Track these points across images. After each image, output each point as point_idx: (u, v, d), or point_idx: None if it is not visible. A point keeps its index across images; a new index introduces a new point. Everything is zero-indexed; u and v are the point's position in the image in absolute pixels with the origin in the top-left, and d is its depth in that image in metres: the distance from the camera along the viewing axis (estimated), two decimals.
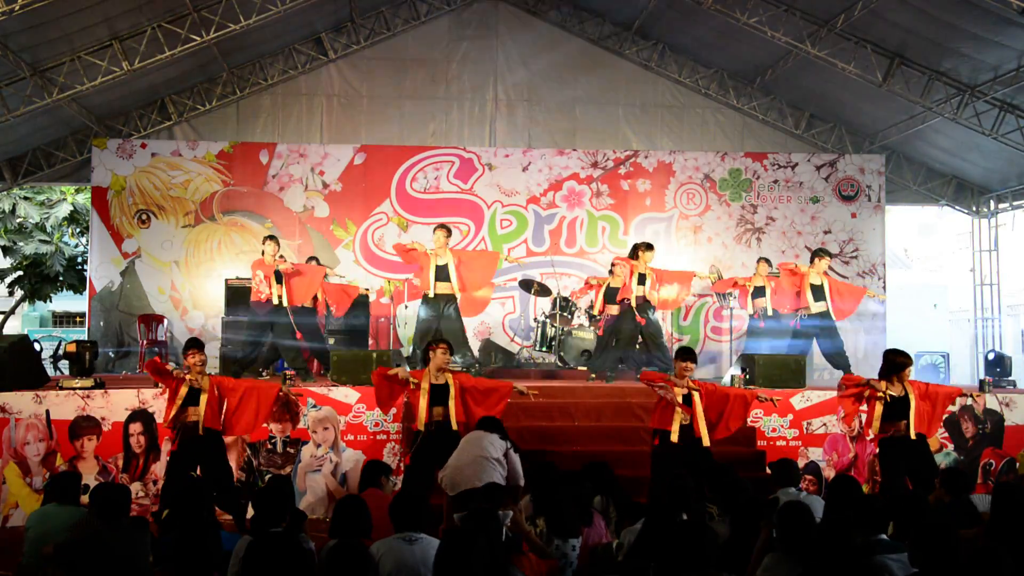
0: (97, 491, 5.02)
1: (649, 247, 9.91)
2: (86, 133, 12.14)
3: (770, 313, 10.41)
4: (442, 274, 9.51)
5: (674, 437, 6.69)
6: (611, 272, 10.39)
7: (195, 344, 6.89)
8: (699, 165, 12.69)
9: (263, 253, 9.44)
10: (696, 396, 6.78)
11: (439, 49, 12.76)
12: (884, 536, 4.29)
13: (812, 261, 10.05)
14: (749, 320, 10.58)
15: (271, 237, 9.69)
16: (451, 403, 6.77)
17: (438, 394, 6.80)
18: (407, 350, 11.18)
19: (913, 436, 6.69)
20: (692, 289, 12.33)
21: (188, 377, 6.75)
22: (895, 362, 6.73)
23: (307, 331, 9.61)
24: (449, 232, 9.80)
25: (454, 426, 6.73)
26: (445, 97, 12.74)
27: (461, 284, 9.58)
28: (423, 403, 6.76)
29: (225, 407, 6.88)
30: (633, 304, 9.64)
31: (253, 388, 7.07)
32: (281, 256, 9.60)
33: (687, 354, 6.90)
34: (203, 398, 6.68)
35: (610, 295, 10.04)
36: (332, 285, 10.15)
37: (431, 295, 9.51)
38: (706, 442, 6.74)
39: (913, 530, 3.91)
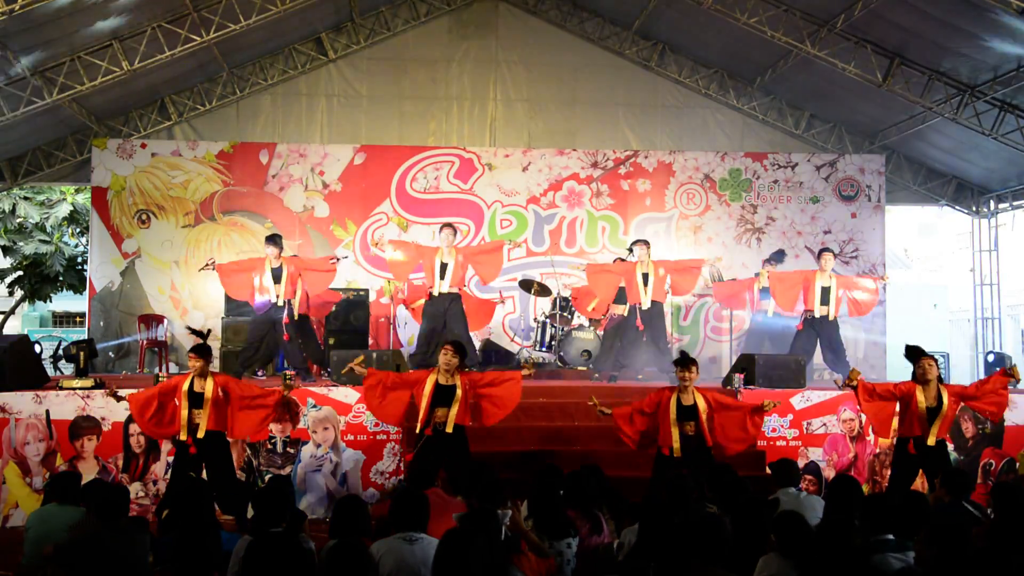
0: (95, 491, 5.01)
1: (644, 243, 9.97)
2: (86, 133, 12.14)
3: (770, 315, 10.45)
4: (444, 272, 9.55)
5: (677, 451, 6.66)
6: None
7: (197, 351, 6.84)
8: (699, 165, 12.69)
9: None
10: (702, 406, 6.74)
11: (439, 49, 12.75)
12: (891, 536, 4.30)
13: (819, 260, 10.06)
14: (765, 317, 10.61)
15: (273, 237, 9.72)
16: (454, 406, 6.66)
17: (442, 395, 6.71)
18: (407, 350, 11.18)
19: (932, 442, 6.73)
20: (696, 286, 12.42)
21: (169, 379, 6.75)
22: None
23: (307, 332, 9.66)
24: (455, 231, 9.88)
25: (449, 428, 6.64)
26: (445, 97, 12.74)
27: (460, 281, 9.61)
28: (424, 403, 6.70)
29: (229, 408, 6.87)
30: (643, 306, 9.70)
31: (260, 396, 6.97)
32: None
33: (686, 361, 6.78)
34: (206, 401, 6.69)
35: (618, 296, 10.10)
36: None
37: (435, 293, 9.56)
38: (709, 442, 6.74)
39: (924, 530, 3.91)
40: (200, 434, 6.65)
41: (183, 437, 6.70)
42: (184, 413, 6.67)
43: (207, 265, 9.86)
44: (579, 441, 8.24)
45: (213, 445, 6.75)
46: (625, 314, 9.90)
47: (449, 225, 9.94)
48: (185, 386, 6.70)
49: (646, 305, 9.72)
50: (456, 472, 6.26)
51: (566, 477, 5.48)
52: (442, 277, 9.53)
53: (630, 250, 10.32)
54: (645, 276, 9.76)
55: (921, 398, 6.74)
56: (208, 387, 6.70)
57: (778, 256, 11.04)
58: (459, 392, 6.69)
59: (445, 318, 9.53)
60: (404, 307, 11.21)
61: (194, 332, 7.03)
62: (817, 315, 9.76)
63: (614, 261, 10.67)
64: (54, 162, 12.32)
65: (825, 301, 9.75)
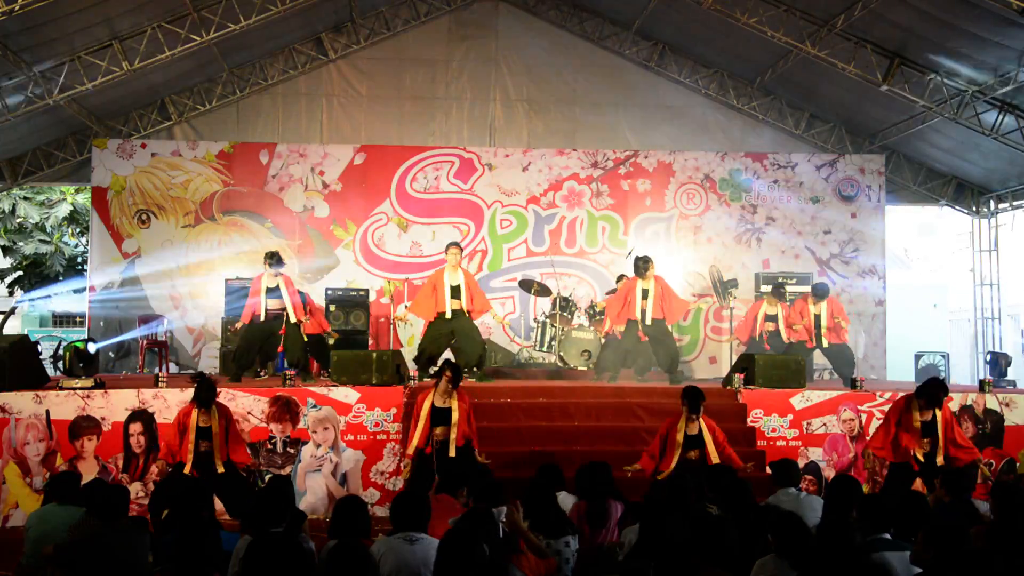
0: (95, 491, 5.00)
1: (649, 261, 9.81)
2: (86, 133, 12.14)
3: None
4: (455, 292, 9.44)
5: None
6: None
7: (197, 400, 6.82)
8: (699, 165, 12.68)
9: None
10: (708, 436, 6.75)
11: (439, 49, 12.75)
12: (887, 536, 4.30)
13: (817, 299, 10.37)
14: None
15: (272, 255, 9.63)
16: (453, 429, 6.83)
17: (439, 416, 6.91)
18: (407, 350, 11.17)
19: (939, 462, 6.71)
20: (692, 289, 12.42)
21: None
22: (936, 396, 6.80)
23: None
24: (461, 249, 9.81)
25: (451, 452, 6.77)
26: (445, 97, 12.74)
27: (470, 301, 9.49)
28: (422, 424, 6.86)
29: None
30: (640, 320, 9.54)
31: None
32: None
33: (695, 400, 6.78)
34: (214, 431, 6.74)
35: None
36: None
37: (448, 315, 9.41)
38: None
39: (924, 530, 3.91)
40: (219, 468, 6.73)
41: (187, 470, 6.65)
42: (191, 446, 6.68)
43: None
44: (579, 441, 8.24)
45: (230, 476, 6.81)
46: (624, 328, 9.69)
47: (455, 244, 9.82)
48: (192, 420, 6.75)
49: (647, 320, 9.53)
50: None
51: (577, 470, 5.50)
52: (455, 297, 9.41)
53: (631, 256, 10.34)
54: (645, 292, 9.60)
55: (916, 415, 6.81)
56: (213, 421, 6.77)
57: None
58: (455, 416, 6.86)
59: (454, 334, 9.46)
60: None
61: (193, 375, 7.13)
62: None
63: (619, 279, 10.69)
64: (54, 162, 12.32)
65: None
